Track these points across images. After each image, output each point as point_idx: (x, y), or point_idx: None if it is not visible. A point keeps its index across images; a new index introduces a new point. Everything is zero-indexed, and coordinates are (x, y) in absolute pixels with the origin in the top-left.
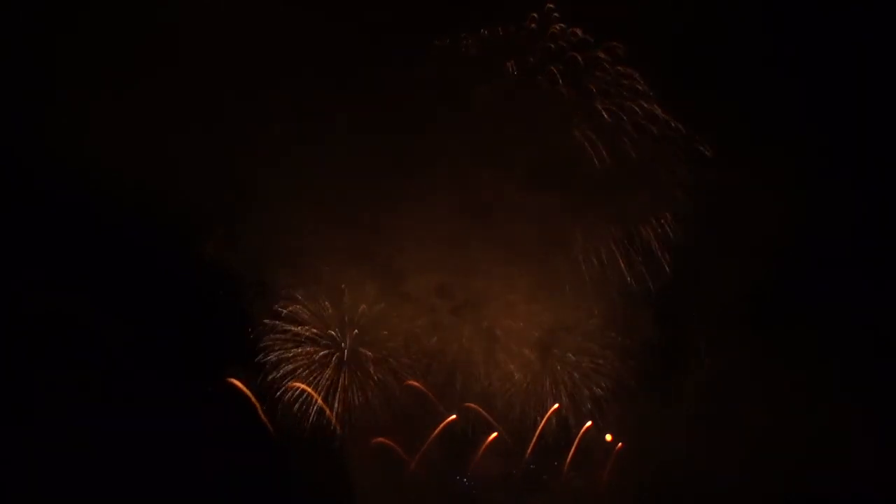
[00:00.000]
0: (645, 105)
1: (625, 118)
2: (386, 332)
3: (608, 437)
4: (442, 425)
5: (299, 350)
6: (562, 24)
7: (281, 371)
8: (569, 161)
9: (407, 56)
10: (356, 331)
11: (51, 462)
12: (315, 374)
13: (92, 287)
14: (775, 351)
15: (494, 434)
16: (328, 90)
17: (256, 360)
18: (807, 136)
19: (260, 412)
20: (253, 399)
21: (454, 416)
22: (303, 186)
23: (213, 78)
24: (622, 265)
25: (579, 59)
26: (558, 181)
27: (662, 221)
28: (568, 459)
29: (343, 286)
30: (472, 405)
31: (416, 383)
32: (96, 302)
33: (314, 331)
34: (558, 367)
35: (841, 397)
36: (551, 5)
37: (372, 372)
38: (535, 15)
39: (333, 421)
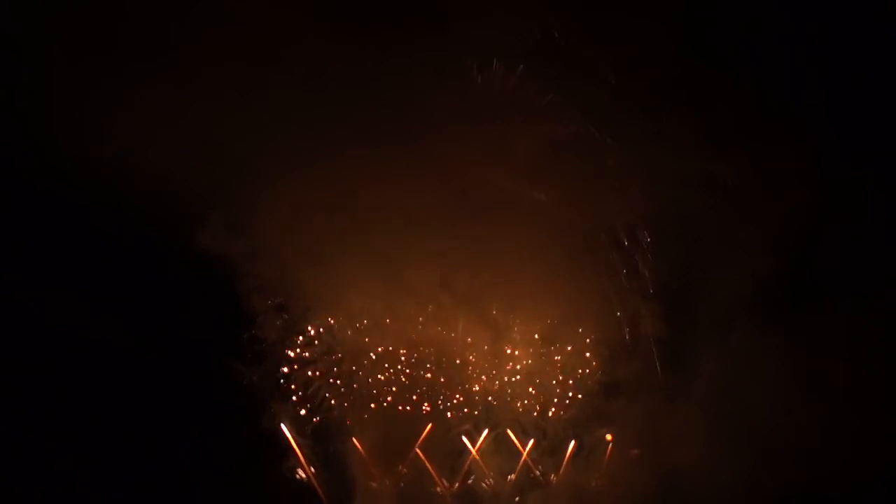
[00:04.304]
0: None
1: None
2: (388, 323)
3: (608, 437)
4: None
5: (297, 349)
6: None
7: (279, 372)
8: (570, 158)
9: (402, 54)
10: (358, 324)
11: (50, 463)
12: (315, 374)
13: (84, 283)
14: (784, 347)
15: (496, 432)
16: (328, 83)
17: (252, 362)
18: (813, 128)
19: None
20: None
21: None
22: (300, 176)
23: (208, 67)
24: (627, 260)
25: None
26: (560, 177)
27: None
28: (569, 458)
29: (344, 280)
30: (475, 402)
31: (417, 383)
32: (89, 299)
33: (313, 326)
34: (561, 364)
35: (852, 395)
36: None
37: (374, 370)
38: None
39: (333, 424)
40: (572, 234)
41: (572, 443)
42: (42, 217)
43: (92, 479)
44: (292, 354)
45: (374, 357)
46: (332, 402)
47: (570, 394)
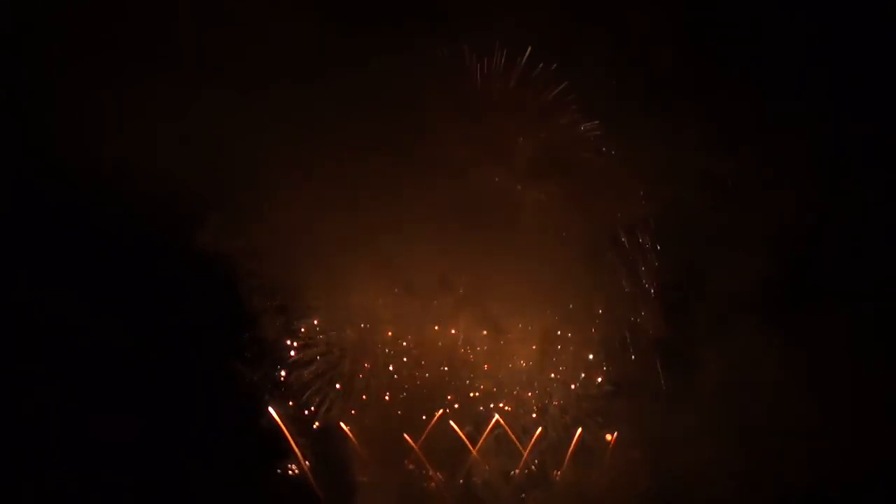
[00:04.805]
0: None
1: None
2: (388, 326)
3: (608, 437)
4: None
5: (298, 350)
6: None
7: (279, 372)
8: (571, 158)
9: (402, 53)
10: (358, 324)
11: (49, 463)
12: (315, 374)
13: (84, 283)
14: (788, 344)
15: (496, 431)
16: (326, 82)
17: (252, 362)
18: (813, 128)
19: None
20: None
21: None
22: (300, 176)
23: (208, 67)
24: (627, 257)
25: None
26: (560, 175)
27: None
28: (568, 458)
29: (345, 280)
30: (475, 402)
31: (418, 378)
32: (89, 299)
33: (313, 327)
34: (561, 363)
35: (852, 395)
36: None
37: (375, 367)
38: None
39: (333, 424)
40: (573, 233)
41: (573, 442)
42: (42, 217)
43: (92, 478)
44: (292, 355)
45: (374, 357)
46: (332, 402)
47: (571, 394)
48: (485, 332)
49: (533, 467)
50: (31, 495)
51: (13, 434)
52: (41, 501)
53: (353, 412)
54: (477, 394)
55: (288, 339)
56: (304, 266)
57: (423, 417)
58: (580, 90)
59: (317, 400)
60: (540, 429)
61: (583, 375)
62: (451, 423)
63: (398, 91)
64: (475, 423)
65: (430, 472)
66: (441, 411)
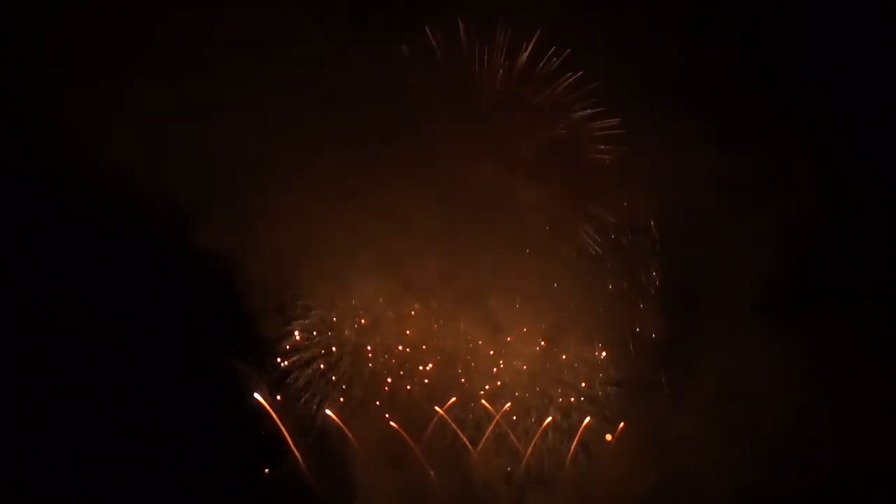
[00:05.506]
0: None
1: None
2: (388, 325)
3: (608, 437)
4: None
5: (297, 349)
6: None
7: (279, 371)
8: (573, 157)
9: (401, 46)
10: (357, 323)
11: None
12: (315, 374)
13: (84, 283)
14: (785, 347)
15: (497, 430)
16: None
17: (252, 362)
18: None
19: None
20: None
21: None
22: (299, 176)
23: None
24: (628, 255)
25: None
26: (562, 176)
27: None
28: (570, 456)
29: (344, 279)
30: (476, 402)
31: (418, 379)
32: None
33: (312, 326)
34: (563, 364)
35: (853, 395)
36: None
37: (375, 367)
38: None
39: (333, 424)
40: (574, 232)
41: (574, 442)
42: (42, 218)
43: (92, 478)
44: (292, 354)
45: (373, 357)
46: (332, 401)
47: (572, 393)
48: (486, 333)
49: (534, 467)
50: (29, 494)
51: (13, 433)
52: (40, 500)
53: (352, 412)
54: (477, 393)
55: (287, 338)
56: (305, 266)
57: (425, 418)
58: (583, 89)
59: (316, 400)
60: (542, 427)
61: (584, 375)
62: (451, 423)
63: (398, 92)
64: (476, 423)
65: (430, 472)
66: (441, 411)
